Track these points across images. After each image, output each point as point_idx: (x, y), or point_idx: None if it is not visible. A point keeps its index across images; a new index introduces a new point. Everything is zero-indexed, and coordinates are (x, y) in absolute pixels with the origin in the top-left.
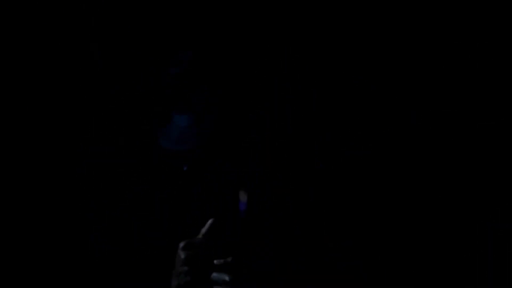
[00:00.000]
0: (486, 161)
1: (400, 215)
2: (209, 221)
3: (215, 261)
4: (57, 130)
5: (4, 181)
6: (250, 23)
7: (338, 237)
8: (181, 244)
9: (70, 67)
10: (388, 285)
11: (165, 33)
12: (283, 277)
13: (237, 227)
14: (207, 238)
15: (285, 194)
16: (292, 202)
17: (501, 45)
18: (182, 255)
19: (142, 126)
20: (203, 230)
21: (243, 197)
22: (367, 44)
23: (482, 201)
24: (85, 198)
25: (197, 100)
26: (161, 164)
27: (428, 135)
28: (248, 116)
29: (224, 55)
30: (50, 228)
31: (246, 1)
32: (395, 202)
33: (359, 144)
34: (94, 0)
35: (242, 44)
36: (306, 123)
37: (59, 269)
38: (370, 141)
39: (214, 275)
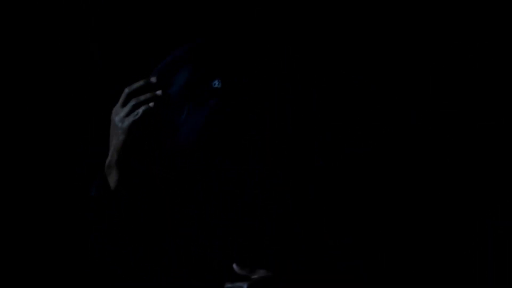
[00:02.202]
0: (486, 161)
1: (400, 214)
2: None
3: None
4: (57, 130)
5: (4, 181)
6: (250, 23)
7: (338, 236)
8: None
9: (70, 67)
10: (388, 285)
11: (164, 33)
12: (283, 277)
13: (237, 225)
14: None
15: (285, 191)
16: (292, 200)
17: (501, 45)
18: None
19: None
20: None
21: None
22: (367, 44)
23: (481, 200)
24: (85, 198)
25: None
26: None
27: (428, 135)
28: (248, 116)
29: (224, 54)
30: (50, 228)
31: (246, 1)
32: (395, 201)
33: (359, 143)
34: (94, 0)
35: (242, 44)
36: (306, 123)
37: (59, 269)
38: (370, 141)
39: (228, 285)
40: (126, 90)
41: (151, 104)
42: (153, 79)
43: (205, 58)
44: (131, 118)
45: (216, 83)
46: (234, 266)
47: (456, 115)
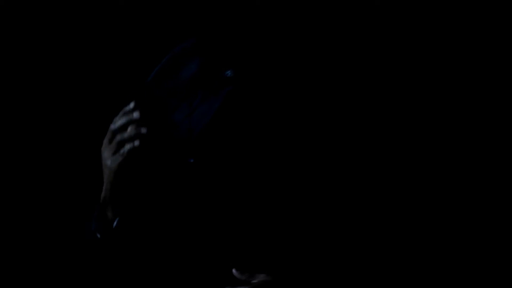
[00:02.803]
0: (486, 161)
1: (400, 214)
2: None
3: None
4: (57, 130)
5: (4, 181)
6: (250, 23)
7: (338, 235)
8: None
9: (70, 67)
10: (388, 285)
11: (164, 33)
12: (283, 281)
13: (237, 225)
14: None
15: (285, 191)
16: (291, 200)
17: (501, 45)
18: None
19: None
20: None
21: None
22: (367, 44)
23: (481, 200)
24: (85, 198)
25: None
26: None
27: (428, 135)
28: (248, 115)
29: (224, 54)
30: (50, 228)
31: (247, 1)
32: (395, 201)
33: (359, 143)
34: (94, 0)
35: (242, 43)
36: (306, 123)
37: (59, 269)
38: (370, 141)
39: None
40: (111, 127)
41: (136, 143)
42: (136, 115)
43: (213, 51)
44: (117, 158)
45: (229, 73)
46: (234, 271)
47: (456, 115)
